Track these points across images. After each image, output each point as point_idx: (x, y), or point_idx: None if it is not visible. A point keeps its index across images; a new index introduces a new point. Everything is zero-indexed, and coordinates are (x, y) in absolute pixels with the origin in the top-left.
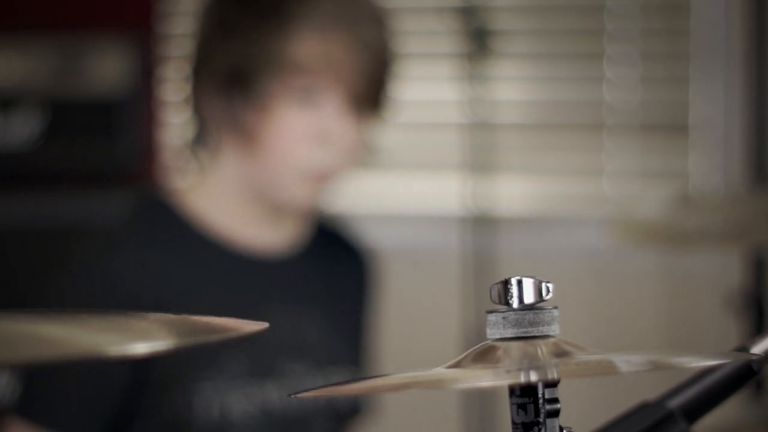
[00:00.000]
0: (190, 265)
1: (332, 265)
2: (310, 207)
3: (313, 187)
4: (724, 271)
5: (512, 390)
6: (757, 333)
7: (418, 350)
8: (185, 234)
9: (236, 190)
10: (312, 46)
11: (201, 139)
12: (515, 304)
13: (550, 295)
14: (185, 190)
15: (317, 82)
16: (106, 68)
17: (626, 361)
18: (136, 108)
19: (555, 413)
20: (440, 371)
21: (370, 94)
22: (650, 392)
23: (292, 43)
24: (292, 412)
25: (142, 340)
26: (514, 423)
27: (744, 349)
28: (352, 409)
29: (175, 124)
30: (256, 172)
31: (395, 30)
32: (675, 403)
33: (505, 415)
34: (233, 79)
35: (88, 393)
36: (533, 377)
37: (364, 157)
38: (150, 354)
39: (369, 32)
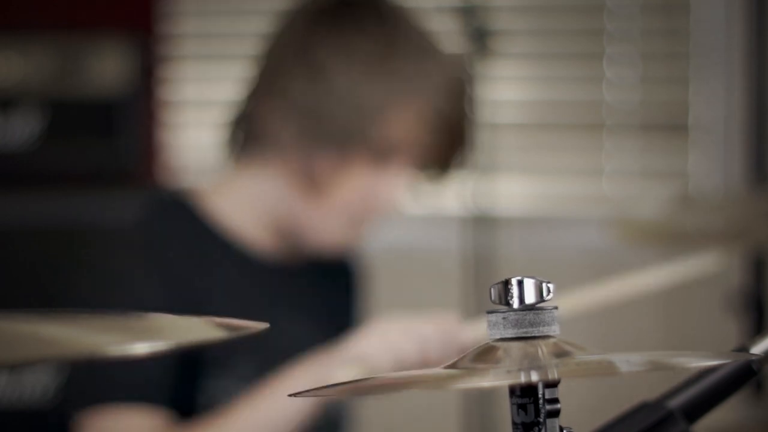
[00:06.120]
0: (206, 265)
1: (331, 274)
2: (338, 249)
3: (353, 232)
4: (724, 271)
5: (512, 390)
6: (757, 333)
7: None
8: (202, 234)
9: (262, 211)
10: (404, 128)
11: (241, 147)
12: (515, 304)
13: (551, 295)
14: (206, 191)
15: (398, 153)
16: (106, 68)
17: (626, 361)
18: (136, 108)
19: (555, 413)
20: (440, 371)
21: (434, 162)
22: (650, 392)
23: (385, 121)
24: None
25: (142, 340)
26: (514, 423)
27: (744, 349)
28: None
29: (175, 124)
30: (303, 211)
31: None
32: (675, 403)
33: (505, 415)
34: (315, 123)
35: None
36: (533, 377)
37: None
38: (150, 354)
39: (455, 116)
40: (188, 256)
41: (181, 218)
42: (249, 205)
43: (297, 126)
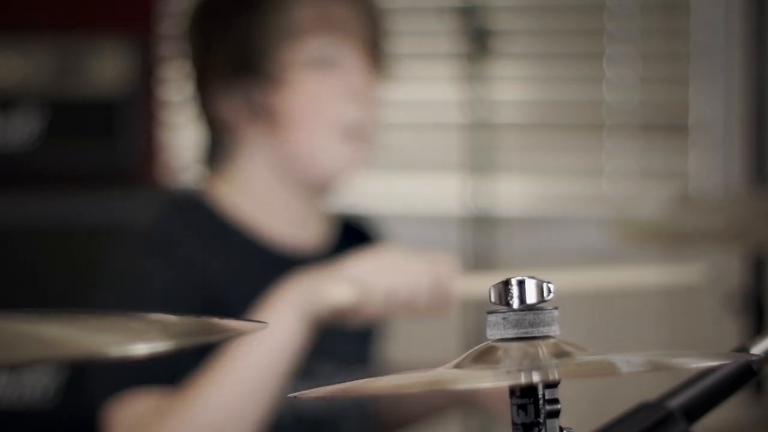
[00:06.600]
0: (227, 261)
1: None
2: (346, 172)
3: (350, 147)
4: (724, 271)
5: (512, 391)
6: (757, 333)
7: (418, 350)
8: (221, 230)
9: (268, 182)
10: (311, 10)
11: (216, 141)
12: (515, 304)
13: (551, 295)
14: (216, 187)
15: (328, 43)
16: (106, 68)
17: (626, 362)
18: (136, 108)
19: (555, 414)
20: (440, 371)
21: (376, 48)
22: (650, 392)
23: (291, 13)
24: (322, 412)
25: (142, 340)
26: (514, 423)
27: (744, 349)
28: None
29: (175, 124)
30: (289, 149)
31: (395, 29)
32: (675, 403)
33: (505, 415)
34: (243, 65)
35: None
36: (533, 378)
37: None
38: (152, 354)
39: None
40: (210, 253)
41: (199, 216)
42: (255, 192)
43: (229, 82)
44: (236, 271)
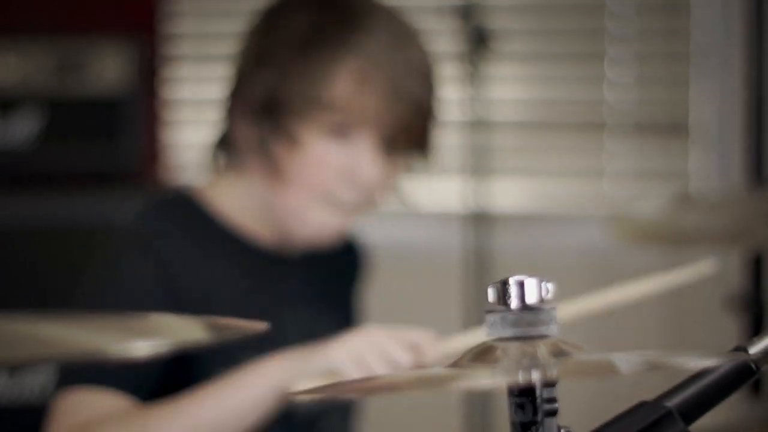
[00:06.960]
0: (208, 259)
1: (334, 262)
2: (323, 239)
3: (333, 218)
4: (724, 271)
5: (511, 390)
6: (757, 333)
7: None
8: (203, 227)
9: (256, 207)
10: (347, 89)
11: (226, 150)
12: (514, 304)
13: (550, 295)
14: (204, 189)
15: (351, 120)
16: (107, 68)
17: (626, 361)
18: (138, 108)
19: (553, 413)
20: (440, 371)
21: (404, 139)
22: (649, 392)
23: (327, 83)
24: (302, 410)
25: (142, 340)
26: (512, 422)
27: (742, 349)
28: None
29: (176, 123)
30: (278, 202)
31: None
32: (673, 402)
33: (504, 414)
34: (265, 110)
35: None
36: (531, 377)
37: (387, 198)
38: (154, 354)
39: (408, 83)
40: (189, 251)
41: (182, 214)
42: (242, 204)
43: (249, 117)
44: (217, 269)
